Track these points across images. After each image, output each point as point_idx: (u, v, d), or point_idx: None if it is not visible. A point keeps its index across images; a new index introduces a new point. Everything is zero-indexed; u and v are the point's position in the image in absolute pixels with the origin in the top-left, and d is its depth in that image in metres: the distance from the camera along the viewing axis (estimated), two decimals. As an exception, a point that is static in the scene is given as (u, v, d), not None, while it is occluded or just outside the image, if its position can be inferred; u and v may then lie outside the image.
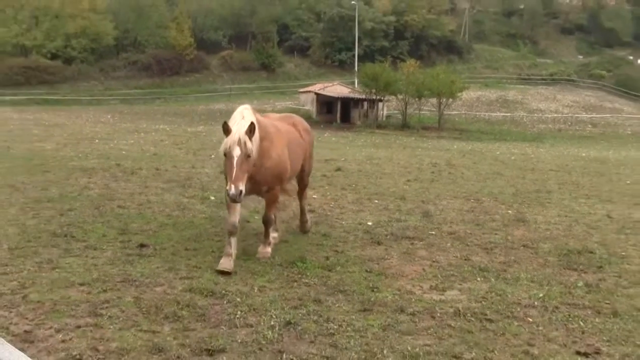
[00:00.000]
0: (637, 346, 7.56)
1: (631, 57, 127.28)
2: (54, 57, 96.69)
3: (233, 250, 10.25)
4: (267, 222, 11.29)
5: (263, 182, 10.60)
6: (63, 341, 6.94)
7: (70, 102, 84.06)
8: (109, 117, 61.42)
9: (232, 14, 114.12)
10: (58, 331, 7.21)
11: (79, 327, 7.36)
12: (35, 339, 6.98)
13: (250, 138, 9.65)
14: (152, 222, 13.45)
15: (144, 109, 79.30)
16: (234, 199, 9.41)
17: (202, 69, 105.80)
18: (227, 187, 9.45)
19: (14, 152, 26.52)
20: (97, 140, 34.48)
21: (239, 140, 9.54)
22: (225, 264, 9.92)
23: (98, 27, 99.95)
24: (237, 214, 10.42)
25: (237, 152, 9.49)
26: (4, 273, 9.36)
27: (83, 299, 8.32)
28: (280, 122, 11.88)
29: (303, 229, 13.29)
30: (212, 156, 27.07)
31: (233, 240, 10.33)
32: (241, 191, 9.37)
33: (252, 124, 9.69)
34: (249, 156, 9.60)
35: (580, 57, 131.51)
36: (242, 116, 10.01)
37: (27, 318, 7.58)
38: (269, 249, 11.19)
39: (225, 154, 9.66)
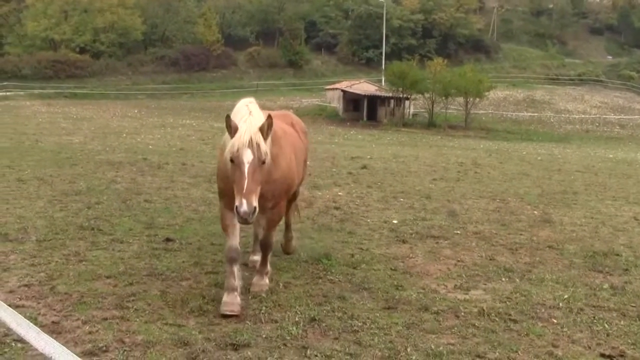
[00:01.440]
0: (662, 349, 7.52)
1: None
2: (82, 51, 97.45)
3: (238, 282, 8.15)
4: (266, 246, 9.18)
5: (269, 198, 8.29)
6: (90, 333, 7.03)
7: (98, 96, 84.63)
8: (136, 111, 61.81)
9: (260, 10, 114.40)
10: (85, 323, 7.31)
11: (105, 319, 7.45)
12: (63, 330, 7.09)
13: (265, 139, 7.51)
14: (178, 217, 13.55)
15: (170, 103, 79.67)
16: (246, 219, 7.15)
17: (229, 64, 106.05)
18: (237, 203, 7.13)
19: (43, 145, 26.82)
20: (124, 135, 34.73)
21: (251, 141, 7.35)
22: (231, 304, 7.92)
23: (126, 21, 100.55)
24: (237, 235, 8.37)
25: (248, 157, 7.30)
26: (32, 265, 9.50)
27: (110, 292, 8.42)
28: (281, 122, 9.29)
29: (287, 248, 11.14)
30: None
31: (236, 270, 8.18)
32: (255, 208, 7.14)
33: (269, 118, 7.59)
34: (263, 162, 7.42)
35: (610, 57, 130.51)
36: (248, 110, 7.83)
37: (54, 309, 7.70)
38: (266, 281, 9.20)
39: (232, 160, 7.41)
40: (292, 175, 8.90)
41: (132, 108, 66.17)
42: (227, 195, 8.08)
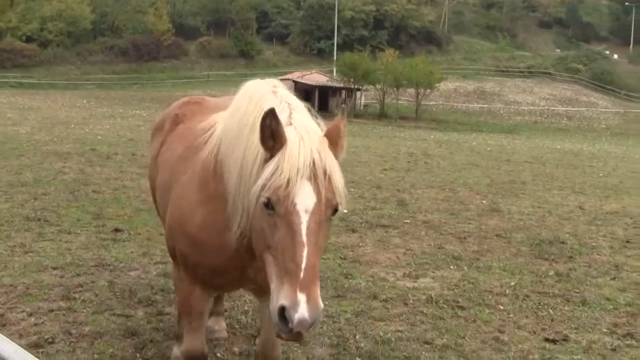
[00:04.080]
0: (604, 333, 7.71)
1: (607, 52, 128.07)
2: (29, 40, 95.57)
3: None
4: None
5: None
6: (35, 325, 6.97)
7: (45, 86, 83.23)
8: (85, 101, 60.95)
9: (211, 0, 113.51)
10: (30, 315, 7.23)
11: (51, 310, 7.39)
12: (8, 322, 7.02)
13: (337, 156, 4.03)
14: (127, 207, 13.45)
15: (120, 94, 78.74)
16: (300, 334, 3.64)
17: (180, 55, 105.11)
18: (285, 302, 3.51)
19: (-12, 135, 26.34)
20: (72, 125, 34.28)
21: (313, 167, 3.80)
22: None
23: (75, 10, 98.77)
24: (204, 330, 5.11)
25: (308, 202, 3.73)
26: (-23, 256, 9.36)
27: (56, 283, 8.34)
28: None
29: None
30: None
31: None
32: (321, 310, 3.59)
33: (341, 121, 4.09)
34: (335, 211, 3.91)
35: (558, 50, 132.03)
36: (284, 101, 4.28)
37: (-1, 301, 7.60)
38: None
39: (270, 204, 3.77)
40: None
41: (81, 98, 65.26)
42: (195, 262, 4.73)
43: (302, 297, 3.45)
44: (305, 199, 3.71)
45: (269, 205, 3.74)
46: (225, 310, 7.40)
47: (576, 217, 15.82)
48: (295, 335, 3.61)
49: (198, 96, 6.73)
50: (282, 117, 3.95)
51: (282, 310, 3.51)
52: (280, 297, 3.54)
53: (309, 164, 3.75)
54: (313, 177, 3.75)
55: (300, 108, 4.30)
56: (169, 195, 5.14)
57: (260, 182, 3.83)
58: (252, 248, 4.10)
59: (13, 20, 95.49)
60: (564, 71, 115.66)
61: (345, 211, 14.36)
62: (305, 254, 3.58)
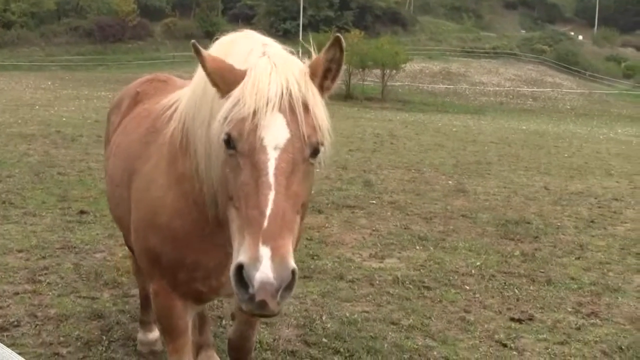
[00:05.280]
0: (569, 313, 7.79)
1: (572, 33, 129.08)
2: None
3: None
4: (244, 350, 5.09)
5: None
6: (0, 308, 6.93)
7: (9, 67, 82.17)
8: (49, 83, 60.24)
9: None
10: (-5, 298, 7.13)
11: (17, 293, 7.34)
12: (-29, 305, 6.92)
13: (323, 92, 3.43)
14: (92, 189, 13.32)
15: (85, 75, 77.94)
16: (266, 303, 2.77)
17: (145, 36, 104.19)
18: (244, 259, 2.82)
19: (-50, 117, 25.97)
20: (37, 107, 33.86)
21: (290, 97, 3.18)
22: None
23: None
24: (189, 352, 4.41)
25: (278, 137, 3.09)
26: (-61, 239, 9.24)
27: (21, 266, 8.26)
28: None
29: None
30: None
31: None
32: (294, 272, 2.89)
33: (337, 39, 3.30)
34: (315, 152, 3.25)
35: (523, 31, 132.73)
36: (264, 45, 3.65)
37: (-37, 285, 7.51)
38: None
39: (230, 141, 3.14)
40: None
41: (45, 80, 64.50)
42: (170, 262, 4.00)
43: (264, 252, 2.72)
44: (275, 133, 3.04)
45: (230, 142, 3.10)
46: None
47: (541, 197, 15.93)
48: (259, 307, 2.74)
49: (164, 74, 5.94)
50: (255, 52, 3.43)
51: (240, 269, 2.79)
52: (239, 254, 2.84)
53: (283, 94, 3.11)
54: (289, 110, 3.10)
55: (277, 46, 3.78)
56: (123, 188, 4.48)
57: (220, 114, 3.18)
58: None
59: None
60: (529, 52, 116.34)
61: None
62: (271, 197, 2.89)
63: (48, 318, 6.75)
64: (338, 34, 3.18)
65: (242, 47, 3.61)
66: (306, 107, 3.14)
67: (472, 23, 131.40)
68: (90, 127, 24.74)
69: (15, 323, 6.55)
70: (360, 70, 76.65)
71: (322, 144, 3.23)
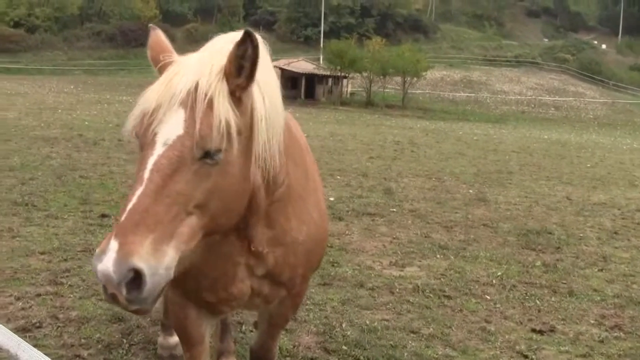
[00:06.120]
0: (591, 325, 7.69)
1: (596, 42, 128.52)
2: (16, 25, 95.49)
3: None
4: None
5: (287, 276, 3.94)
6: (23, 309, 6.92)
7: (33, 71, 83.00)
8: (72, 87, 60.72)
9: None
10: (18, 299, 7.18)
11: (39, 295, 7.34)
12: (-6, 306, 6.95)
13: (236, 97, 3.02)
14: (114, 193, 13.38)
15: (107, 80, 78.52)
16: (113, 287, 2.62)
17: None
18: (97, 250, 2.68)
19: (-26, 119, 26.20)
20: (59, 110, 34.11)
21: (194, 93, 2.94)
22: None
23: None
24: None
25: (168, 131, 2.90)
26: (-37, 240, 9.30)
27: (43, 268, 8.28)
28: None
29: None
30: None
31: None
32: (139, 272, 2.63)
33: (247, 33, 2.95)
34: (210, 157, 2.90)
35: (546, 40, 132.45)
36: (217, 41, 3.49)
37: (-14, 286, 7.55)
38: None
39: (138, 137, 3.10)
40: (326, 230, 4.42)
41: (68, 83, 65.03)
42: (181, 278, 3.29)
43: (112, 245, 2.60)
44: (168, 129, 2.88)
45: (137, 136, 3.06)
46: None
47: (563, 207, 15.83)
48: (111, 299, 2.68)
49: None
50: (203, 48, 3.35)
51: (94, 259, 2.69)
52: (99, 248, 2.70)
53: (190, 91, 2.92)
54: (190, 107, 2.90)
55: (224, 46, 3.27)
56: None
57: (135, 109, 3.09)
58: (242, 231, 3.49)
59: (0, 6, 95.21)
60: (551, 61, 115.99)
61: (332, 199, 14.34)
62: (138, 192, 2.75)
63: (69, 320, 6.74)
64: (248, 28, 2.96)
65: (210, 43, 3.48)
66: (210, 106, 2.91)
67: (493, 31, 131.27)
68: (112, 131, 24.86)
69: (38, 324, 6.56)
70: (381, 77, 76.74)
71: (219, 147, 2.89)
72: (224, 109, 2.90)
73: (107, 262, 2.58)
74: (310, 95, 77.66)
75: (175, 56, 3.21)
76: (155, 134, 2.89)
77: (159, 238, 2.70)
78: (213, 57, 3.07)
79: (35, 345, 5.76)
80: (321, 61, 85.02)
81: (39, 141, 20.55)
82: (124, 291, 2.62)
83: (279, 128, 3.29)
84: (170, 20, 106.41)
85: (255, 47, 2.93)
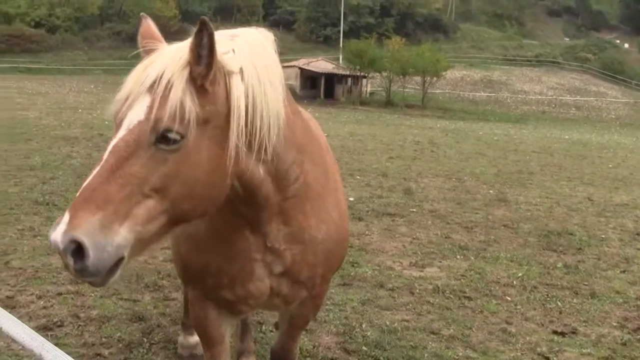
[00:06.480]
0: (614, 327, 7.63)
1: (618, 41, 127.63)
2: (37, 25, 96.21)
3: None
4: None
5: (306, 275, 3.91)
6: (44, 307, 6.98)
7: (53, 71, 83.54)
8: (92, 86, 61.10)
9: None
10: (39, 298, 7.24)
11: (60, 294, 7.39)
12: (17, 304, 7.02)
13: (197, 85, 3.00)
14: (133, 192, 13.41)
15: (127, 79, 78.86)
16: (63, 255, 2.75)
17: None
18: (55, 223, 2.82)
19: (-4, 119, 26.39)
20: (80, 110, 34.35)
21: (161, 82, 2.96)
22: None
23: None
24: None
25: (132, 115, 2.97)
26: (-15, 239, 9.38)
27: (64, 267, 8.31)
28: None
29: None
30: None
31: None
32: (81, 244, 2.74)
33: (203, 22, 2.88)
34: (167, 140, 2.91)
35: (567, 39, 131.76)
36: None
37: (8, 284, 7.62)
38: None
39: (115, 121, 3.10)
40: (347, 231, 4.51)
41: (88, 83, 65.47)
42: (200, 275, 3.94)
43: (65, 218, 2.78)
44: (133, 114, 2.97)
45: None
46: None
47: (585, 208, 15.72)
48: (66, 267, 2.88)
49: None
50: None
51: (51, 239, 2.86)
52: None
53: (156, 78, 2.99)
54: (154, 93, 2.97)
55: (226, 35, 3.37)
56: None
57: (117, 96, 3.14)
58: (256, 227, 3.58)
59: (22, 6, 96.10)
60: (572, 60, 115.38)
61: (351, 199, 14.32)
62: (94, 172, 2.86)
63: (90, 319, 6.78)
64: (204, 17, 2.94)
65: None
66: (169, 93, 2.94)
67: (514, 31, 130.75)
68: (132, 131, 24.98)
69: (59, 323, 6.60)
70: (401, 77, 76.70)
71: (171, 131, 2.90)
72: (177, 95, 2.93)
73: (57, 233, 2.73)
74: (329, 94, 77.73)
75: (160, 45, 3.26)
76: (122, 119, 2.97)
77: (108, 216, 2.79)
78: (186, 47, 3.06)
79: (56, 344, 5.79)
80: (340, 61, 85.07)
81: (59, 140, 20.69)
82: (71, 260, 2.75)
83: (276, 121, 3.26)
84: (189, 19, 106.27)
85: (211, 35, 2.92)
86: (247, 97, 3.14)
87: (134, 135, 2.91)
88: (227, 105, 3.09)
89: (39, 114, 30.45)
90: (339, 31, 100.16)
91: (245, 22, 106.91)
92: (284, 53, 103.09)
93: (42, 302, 7.11)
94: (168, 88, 2.94)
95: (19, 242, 9.32)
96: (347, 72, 78.28)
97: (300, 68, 79.21)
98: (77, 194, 2.82)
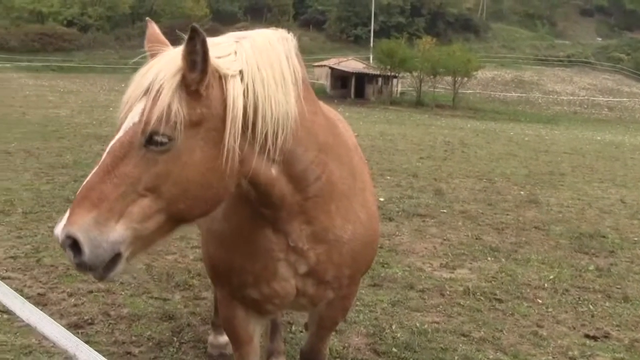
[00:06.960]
0: (647, 331, 7.55)
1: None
2: (70, 24, 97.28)
3: None
4: None
5: (331, 275, 3.89)
6: (75, 305, 7.06)
7: (85, 69, 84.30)
8: (123, 85, 60.57)
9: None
10: (70, 295, 7.33)
11: (91, 292, 7.47)
12: (48, 302, 7.11)
13: (189, 88, 3.04)
14: (164, 191, 13.49)
15: (158, 78, 79.41)
16: (63, 248, 2.93)
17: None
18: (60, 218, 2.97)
19: (29, 118, 26.74)
20: (111, 108, 34.45)
21: (154, 85, 3.06)
22: None
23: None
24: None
25: (130, 122, 3.06)
26: (18, 237, 9.50)
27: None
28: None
29: None
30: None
31: None
32: (75, 239, 2.88)
33: (193, 29, 2.97)
34: (154, 142, 2.98)
35: (599, 39, 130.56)
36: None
37: (40, 281, 7.72)
38: None
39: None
40: (376, 232, 4.37)
41: (119, 82, 65.63)
42: (226, 273, 3.99)
43: (66, 215, 2.94)
44: (130, 117, 3.08)
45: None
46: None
47: (617, 210, 15.57)
48: (69, 258, 3.00)
49: None
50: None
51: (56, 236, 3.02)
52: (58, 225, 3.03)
53: (151, 81, 3.09)
54: (148, 95, 3.07)
55: (230, 37, 3.51)
56: None
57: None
58: (276, 226, 3.60)
59: (55, 5, 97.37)
60: (605, 60, 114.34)
61: (382, 199, 14.30)
62: (93, 171, 3.04)
63: (121, 317, 6.84)
64: (194, 24, 3.00)
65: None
66: (159, 97, 3.03)
67: (546, 30, 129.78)
68: (163, 130, 25.15)
69: (90, 321, 6.68)
70: (432, 77, 76.47)
71: (157, 133, 2.97)
72: (165, 100, 2.99)
73: (57, 229, 2.90)
74: (360, 94, 77.64)
75: (165, 49, 3.36)
76: (122, 122, 3.10)
77: (103, 213, 2.93)
78: (176, 53, 3.16)
79: (87, 342, 5.82)
80: (371, 60, 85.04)
81: (90, 139, 20.88)
82: (71, 255, 2.91)
83: (284, 121, 3.26)
84: (220, 19, 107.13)
85: (203, 42, 2.98)
86: (246, 98, 3.16)
87: (128, 137, 3.03)
88: (223, 107, 3.13)
89: (70, 112, 30.76)
90: (370, 31, 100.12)
91: (275, 21, 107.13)
92: (314, 52, 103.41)
93: (73, 300, 7.19)
94: (159, 92, 3.03)
95: (50, 239, 9.35)
96: (378, 72, 78.15)
97: (330, 67, 79.22)
98: (77, 192, 2.98)
